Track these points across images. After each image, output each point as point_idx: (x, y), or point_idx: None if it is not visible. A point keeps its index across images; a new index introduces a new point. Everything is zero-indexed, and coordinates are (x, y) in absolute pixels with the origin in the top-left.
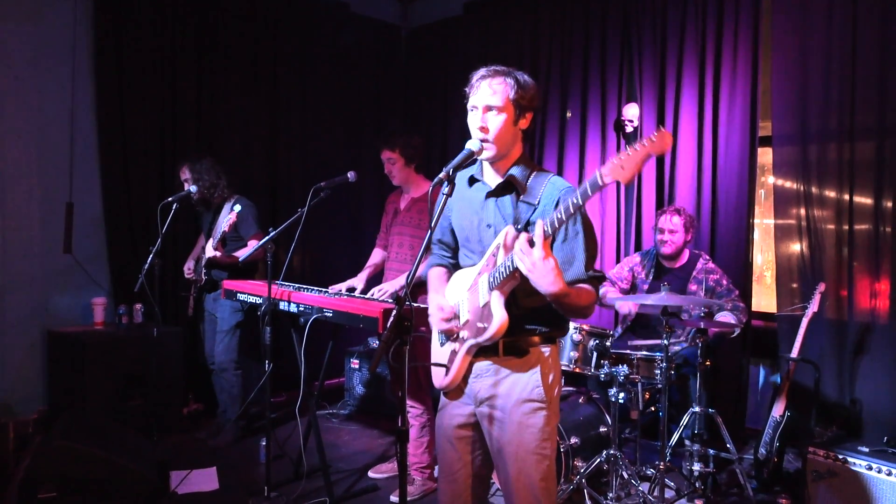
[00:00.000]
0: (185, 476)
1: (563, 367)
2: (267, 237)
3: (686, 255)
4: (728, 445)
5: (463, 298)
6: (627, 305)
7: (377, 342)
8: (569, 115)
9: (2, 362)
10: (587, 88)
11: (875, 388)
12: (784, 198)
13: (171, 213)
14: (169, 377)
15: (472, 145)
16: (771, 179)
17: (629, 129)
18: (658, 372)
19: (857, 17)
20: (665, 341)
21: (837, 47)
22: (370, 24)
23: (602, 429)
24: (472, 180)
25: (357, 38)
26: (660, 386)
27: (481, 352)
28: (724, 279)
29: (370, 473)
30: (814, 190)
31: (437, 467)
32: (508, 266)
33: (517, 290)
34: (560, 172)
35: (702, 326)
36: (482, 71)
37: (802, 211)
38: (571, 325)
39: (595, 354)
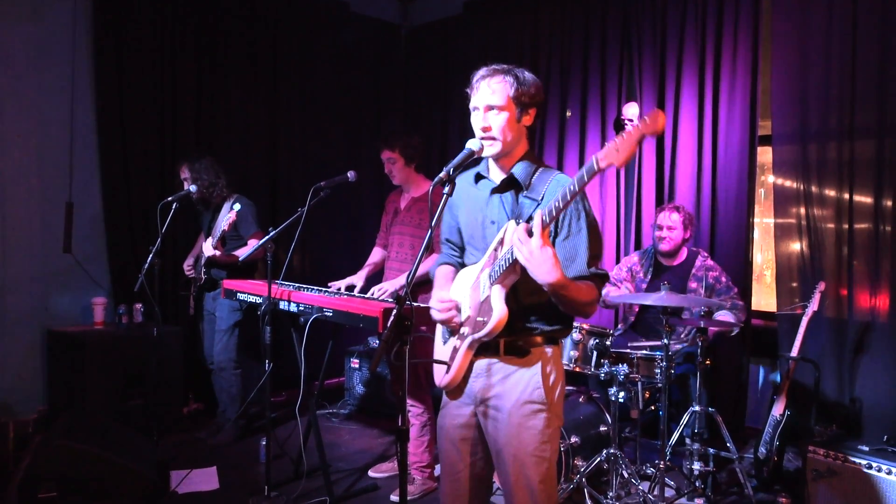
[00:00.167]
0: (186, 475)
1: (564, 367)
2: (267, 237)
3: (684, 252)
4: (728, 444)
5: (466, 295)
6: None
7: (377, 341)
8: (568, 114)
9: (2, 362)
10: (587, 87)
11: (875, 387)
12: (784, 197)
13: (170, 213)
14: (169, 377)
15: (472, 144)
16: (771, 178)
17: (629, 128)
18: (658, 371)
19: (857, 17)
20: (665, 340)
21: (837, 46)
22: (370, 24)
23: (602, 428)
24: (479, 177)
25: (357, 38)
26: (660, 385)
27: (482, 351)
28: (724, 276)
29: (370, 473)
30: (814, 189)
31: (437, 466)
32: (508, 258)
33: (519, 288)
34: (559, 171)
35: (702, 326)
36: (482, 71)
37: (802, 210)
38: None
39: (595, 353)
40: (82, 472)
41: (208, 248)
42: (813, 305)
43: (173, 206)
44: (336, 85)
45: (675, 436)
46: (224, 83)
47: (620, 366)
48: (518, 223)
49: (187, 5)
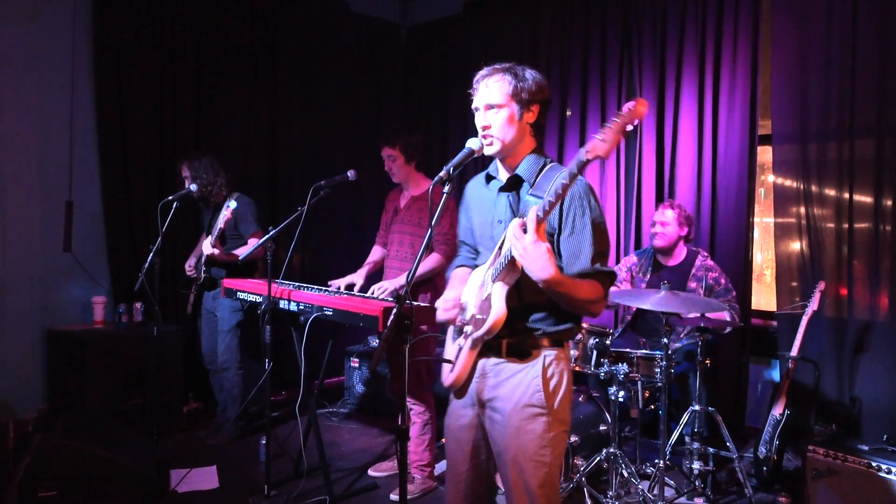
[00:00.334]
0: (185, 475)
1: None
2: (267, 236)
3: (683, 252)
4: (728, 444)
5: (473, 294)
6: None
7: (377, 341)
8: (568, 113)
9: (2, 361)
10: (587, 87)
11: (875, 387)
12: (784, 196)
13: (171, 212)
14: (169, 376)
15: (472, 143)
16: (771, 178)
17: (629, 127)
18: (658, 370)
19: (857, 17)
20: (665, 340)
21: (837, 46)
22: (370, 23)
23: (602, 427)
24: (489, 178)
25: (357, 37)
26: (660, 384)
27: (486, 351)
28: (723, 277)
29: (370, 472)
30: (814, 188)
31: (437, 465)
32: (508, 255)
33: (523, 288)
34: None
35: (701, 325)
36: (482, 71)
37: (802, 209)
38: None
39: (595, 353)
40: (82, 472)
41: (207, 246)
42: (813, 305)
43: (174, 206)
44: (336, 84)
45: (675, 435)
46: (224, 82)
47: (620, 365)
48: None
49: (187, 5)
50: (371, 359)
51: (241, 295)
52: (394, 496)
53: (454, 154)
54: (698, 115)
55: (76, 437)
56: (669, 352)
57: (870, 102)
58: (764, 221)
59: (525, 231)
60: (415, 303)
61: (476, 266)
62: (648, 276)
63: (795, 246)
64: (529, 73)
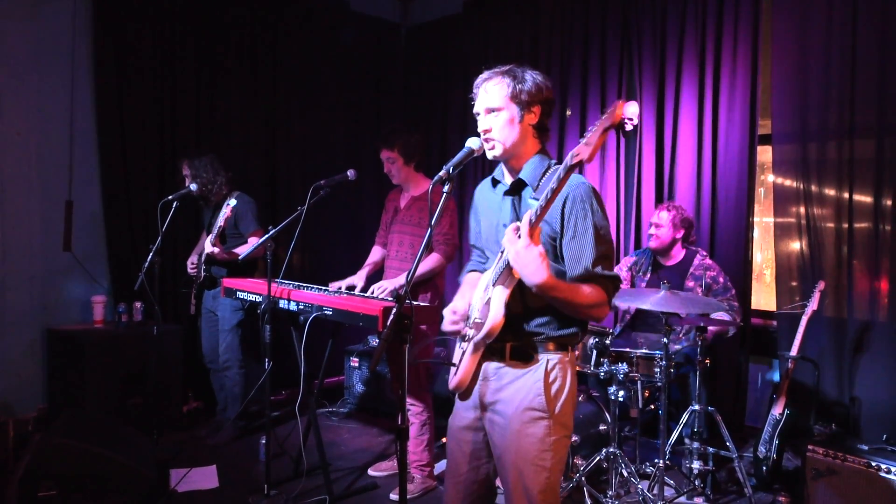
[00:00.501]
0: (185, 474)
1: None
2: (267, 235)
3: (682, 252)
4: (727, 443)
5: (478, 298)
6: (627, 304)
7: (377, 340)
8: (568, 113)
9: (1, 360)
10: (587, 87)
11: (874, 386)
12: (784, 196)
13: (171, 211)
14: (168, 375)
15: (472, 143)
16: (771, 178)
17: (629, 127)
18: (657, 370)
19: (857, 17)
20: (665, 339)
21: (837, 46)
22: (370, 22)
23: (602, 427)
24: (495, 182)
25: (357, 36)
26: (659, 384)
27: (489, 354)
28: (721, 277)
29: (370, 471)
30: (813, 188)
31: (437, 465)
32: (506, 260)
33: (526, 292)
34: None
35: (701, 325)
36: (482, 75)
37: (802, 209)
38: None
39: (594, 352)
40: (82, 471)
41: (208, 245)
42: (812, 304)
43: (173, 205)
44: (336, 84)
45: (675, 435)
46: (224, 81)
47: (620, 365)
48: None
49: (187, 4)
50: (371, 358)
51: (241, 294)
52: (393, 496)
53: (454, 154)
54: (698, 115)
55: (76, 436)
56: (670, 353)
57: (870, 102)
58: (764, 221)
59: (519, 235)
60: (415, 302)
61: (485, 270)
62: (648, 276)
63: (795, 246)
64: (529, 75)
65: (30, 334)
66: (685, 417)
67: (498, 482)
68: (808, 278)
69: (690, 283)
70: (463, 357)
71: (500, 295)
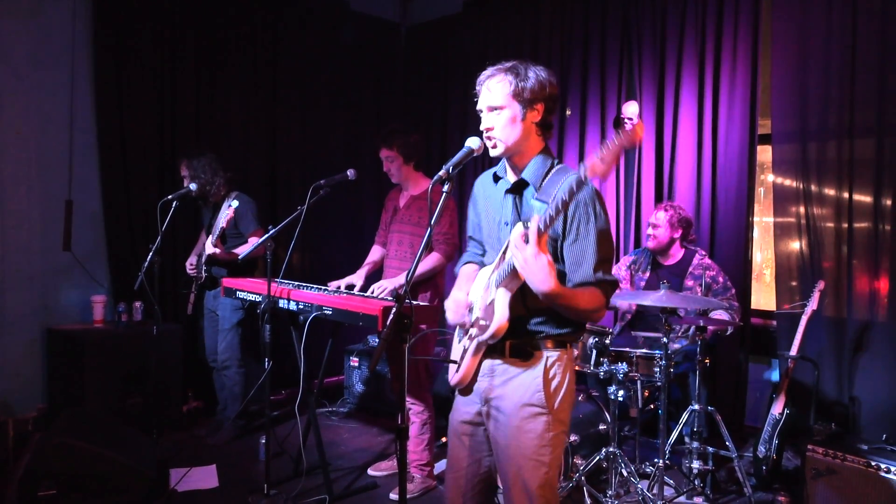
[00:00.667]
0: (185, 473)
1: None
2: (267, 235)
3: (680, 252)
4: (727, 443)
5: (478, 296)
6: (627, 303)
7: (377, 340)
8: (568, 112)
9: (1, 360)
10: (587, 86)
11: (874, 386)
12: (783, 196)
13: (170, 211)
14: (168, 375)
15: (472, 142)
16: (770, 177)
17: (628, 126)
18: (657, 369)
19: (857, 17)
20: (665, 339)
21: (837, 46)
22: (370, 22)
23: (601, 426)
24: (496, 178)
25: (356, 36)
26: (659, 384)
27: (489, 351)
28: (721, 276)
29: (369, 471)
30: (813, 188)
31: (437, 465)
32: (511, 263)
33: (526, 291)
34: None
35: (701, 324)
36: (485, 72)
37: (802, 209)
38: None
39: (594, 352)
40: (82, 470)
41: (209, 246)
42: (812, 304)
43: (173, 205)
44: (336, 83)
45: (675, 434)
46: (223, 81)
47: (620, 364)
48: (525, 227)
49: (187, 4)
50: (371, 358)
51: (241, 294)
52: (393, 495)
53: (454, 153)
54: (698, 115)
55: (76, 435)
56: (669, 352)
57: (870, 102)
58: (764, 221)
59: (527, 242)
60: (414, 302)
61: (483, 263)
62: (647, 275)
63: (795, 245)
64: (533, 71)
65: (30, 334)
66: (685, 417)
67: (497, 480)
68: (808, 278)
69: (690, 283)
70: (465, 355)
71: (504, 298)
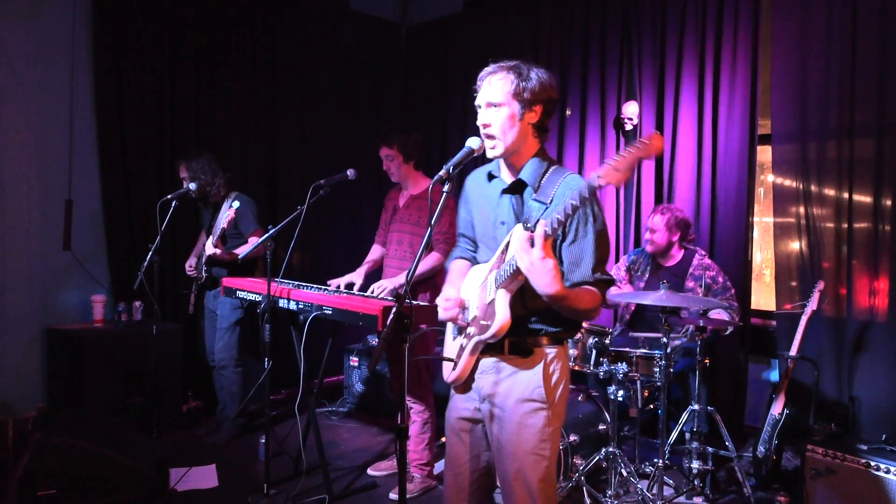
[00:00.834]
0: (185, 473)
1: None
2: (267, 234)
3: (680, 252)
4: (727, 443)
5: (474, 294)
6: (626, 302)
7: (376, 340)
8: (568, 112)
9: (1, 359)
10: (587, 86)
11: (874, 386)
12: (783, 196)
13: (170, 211)
14: (168, 375)
15: (472, 143)
16: (770, 177)
17: (628, 126)
18: (657, 369)
19: (857, 17)
20: (665, 339)
21: (837, 46)
22: (370, 22)
23: (601, 426)
24: (491, 177)
25: (356, 36)
26: (659, 384)
27: (487, 349)
28: (721, 276)
29: (369, 471)
30: (813, 188)
31: (437, 465)
32: (512, 264)
33: (524, 290)
34: (570, 171)
35: (701, 324)
36: (487, 68)
37: (802, 209)
38: None
39: (594, 352)
40: (82, 470)
41: (209, 246)
42: (812, 304)
43: (173, 204)
44: (335, 83)
45: (674, 434)
46: (223, 81)
47: (619, 364)
48: (526, 228)
49: (186, 3)
50: (371, 358)
51: (241, 294)
52: (393, 495)
53: (454, 153)
54: (698, 115)
55: (75, 435)
56: (668, 350)
57: (870, 102)
58: (763, 221)
59: (532, 245)
60: (414, 302)
61: (475, 259)
62: (647, 276)
63: (795, 245)
64: (535, 72)
65: (30, 333)
66: (685, 417)
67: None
68: (808, 278)
69: (690, 284)
70: (462, 353)
71: (505, 298)
